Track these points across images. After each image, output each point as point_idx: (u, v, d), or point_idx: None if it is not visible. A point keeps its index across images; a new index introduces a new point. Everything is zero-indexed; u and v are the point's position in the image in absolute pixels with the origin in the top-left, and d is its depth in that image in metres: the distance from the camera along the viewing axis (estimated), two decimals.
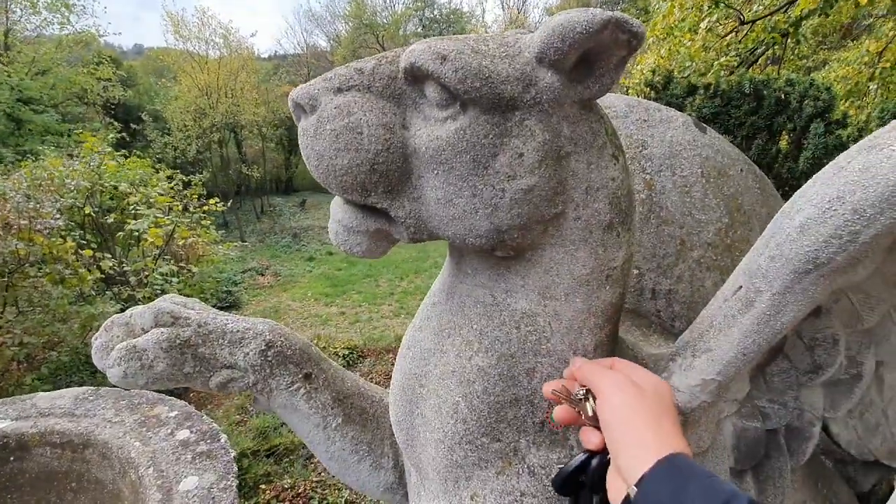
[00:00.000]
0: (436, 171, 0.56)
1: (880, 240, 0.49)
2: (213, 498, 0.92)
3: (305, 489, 5.41)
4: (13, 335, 4.95)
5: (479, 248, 0.60)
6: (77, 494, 1.08)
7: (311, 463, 5.95)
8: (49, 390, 1.22)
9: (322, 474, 5.81)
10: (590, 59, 0.54)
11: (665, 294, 0.97)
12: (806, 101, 2.47)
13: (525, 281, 0.63)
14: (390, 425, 0.97)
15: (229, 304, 10.63)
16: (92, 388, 1.21)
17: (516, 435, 0.66)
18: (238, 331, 0.84)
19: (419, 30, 23.29)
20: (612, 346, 0.71)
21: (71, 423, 1.09)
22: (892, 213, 0.46)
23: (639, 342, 0.85)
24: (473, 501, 0.66)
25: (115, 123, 14.79)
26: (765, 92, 2.50)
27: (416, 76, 0.55)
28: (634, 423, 0.52)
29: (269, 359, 0.84)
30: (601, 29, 0.50)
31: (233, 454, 1.04)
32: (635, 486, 0.47)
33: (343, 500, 5.74)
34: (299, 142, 0.59)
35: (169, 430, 1.08)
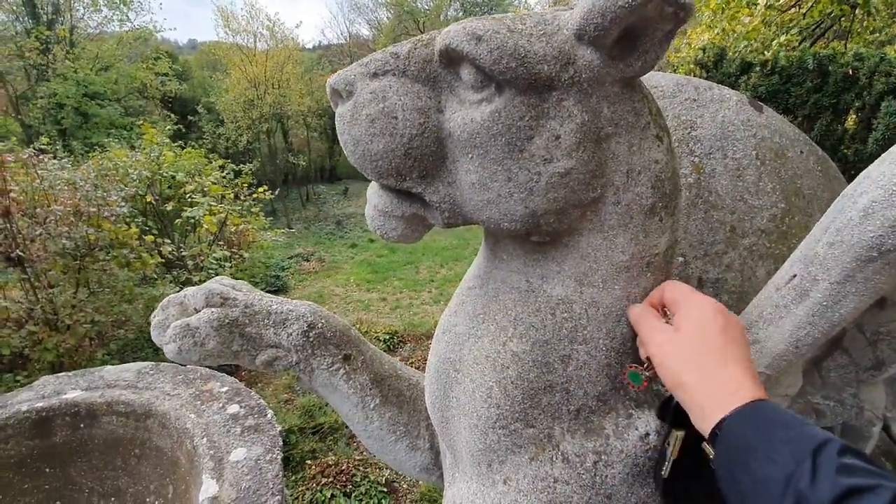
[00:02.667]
0: (470, 155, 0.55)
1: None
2: (261, 469, 0.97)
3: (348, 466, 5.61)
4: (86, 314, 5.37)
5: (514, 232, 0.59)
6: (140, 460, 1.17)
7: (354, 442, 6.16)
8: (116, 365, 1.32)
9: (364, 453, 6.01)
10: (633, 35, 0.52)
11: (712, 283, 0.92)
12: (876, 77, 2.26)
13: (561, 267, 0.62)
14: (426, 408, 0.99)
15: (277, 289, 11.08)
16: (153, 363, 1.31)
17: (550, 422, 0.65)
18: (281, 312, 0.88)
19: (460, 14, 22.99)
20: None
21: (134, 394, 1.18)
22: None
23: None
24: (506, 485, 0.66)
25: (172, 116, 15.61)
26: (830, 68, 2.28)
27: (452, 58, 0.55)
28: (720, 351, 0.50)
29: (311, 339, 0.87)
30: (645, 2, 0.47)
31: (279, 429, 1.09)
32: (722, 419, 0.46)
33: (384, 478, 5.92)
34: (337, 127, 0.60)
35: (220, 405, 1.16)
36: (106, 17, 15.23)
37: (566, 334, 0.63)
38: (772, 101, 2.55)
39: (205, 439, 1.04)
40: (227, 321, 0.83)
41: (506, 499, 0.66)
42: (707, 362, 0.50)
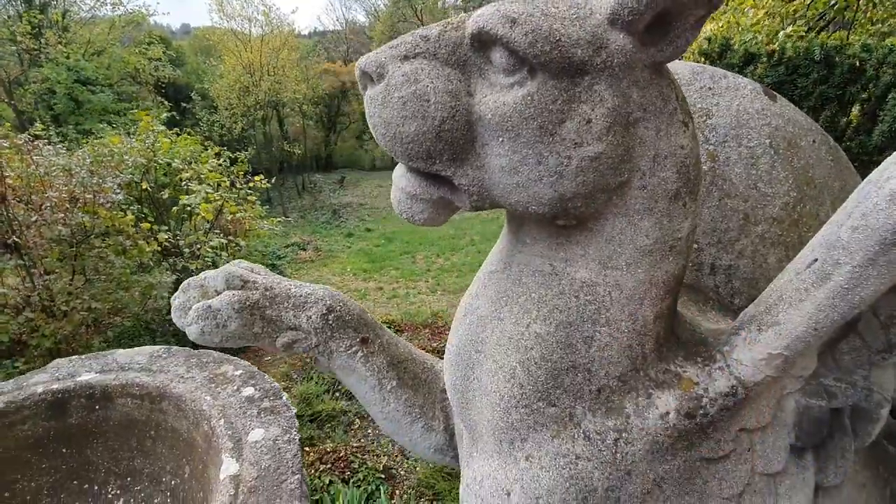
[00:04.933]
0: (501, 139, 0.56)
1: None
2: (280, 449, 0.99)
3: (346, 454, 5.67)
4: (83, 301, 5.35)
5: (541, 216, 0.60)
6: (155, 441, 1.18)
7: (352, 430, 6.20)
8: (127, 349, 1.33)
9: (362, 440, 6.05)
10: (665, 20, 0.53)
11: (725, 269, 0.94)
12: (883, 69, 2.27)
13: (586, 250, 0.63)
14: (441, 390, 1.00)
15: None
16: (165, 347, 1.32)
17: (572, 401, 0.67)
18: (301, 295, 0.89)
19: (458, 2, 22.72)
20: (671, 319, 0.70)
21: (148, 377, 1.19)
22: None
23: (696, 318, 0.84)
24: (528, 462, 0.68)
25: (166, 102, 15.41)
26: (837, 59, 2.29)
27: (484, 41, 0.55)
28: None
29: (330, 322, 0.89)
30: None
31: (294, 411, 1.11)
32: None
33: (381, 465, 5.97)
34: (366, 110, 0.61)
35: (235, 387, 1.17)
36: (99, 0, 14.94)
37: (589, 316, 0.64)
38: (778, 92, 2.56)
39: (222, 420, 1.06)
40: (248, 303, 0.84)
41: (527, 475, 0.68)
42: None
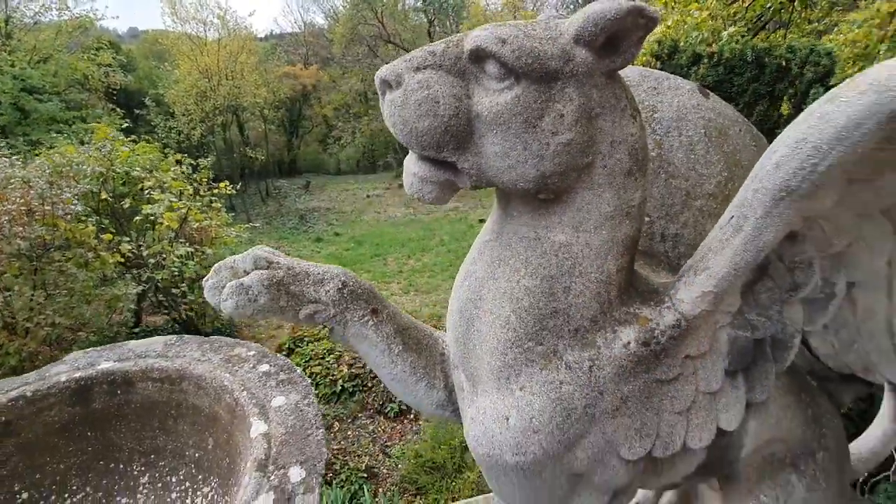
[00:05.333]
0: (495, 131, 0.72)
1: (834, 171, 0.65)
2: (302, 410, 1.11)
3: (329, 456, 5.71)
4: (45, 316, 5.18)
5: (527, 192, 0.77)
6: (177, 420, 1.27)
7: (332, 433, 6.26)
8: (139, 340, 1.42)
9: (342, 443, 6.11)
10: (615, 39, 0.70)
11: (672, 237, 1.13)
12: (807, 67, 2.58)
13: (561, 218, 0.80)
14: (440, 354, 1.16)
15: None
16: (177, 335, 1.40)
17: (556, 339, 0.84)
18: (319, 273, 1.03)
19: (419, 3, 22.90)
20: (630, 273, 0.88)
21: (166, 362, 1.28)
22: (841, 148, 0.63)
23: (650, 276, 1.02)
24: (522, 391, 0.85)
25: (118, 110, 14.84)
26: (766, 59, 2.60)
27: (480, 56, 0.71)
28: None
29: (345, 295, 1.03)
30: (626, 15, 0.65)
31: (308, 381, 1.23)
32: None
33: (364, 465, 6.04)
34: (385, 111, 0.76)
35: (251, 365, 1.27)
36: (44, 5, 14.23)
37: (567, 270, 0.81)
38: (718, 90, 2.84)
39: (244, 392, 1.17)
40: (274, 280, 0.97)
41: (522, 401, 0.84)
42: None
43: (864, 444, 1.56)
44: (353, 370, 7.23)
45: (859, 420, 1.66)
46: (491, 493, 1.24)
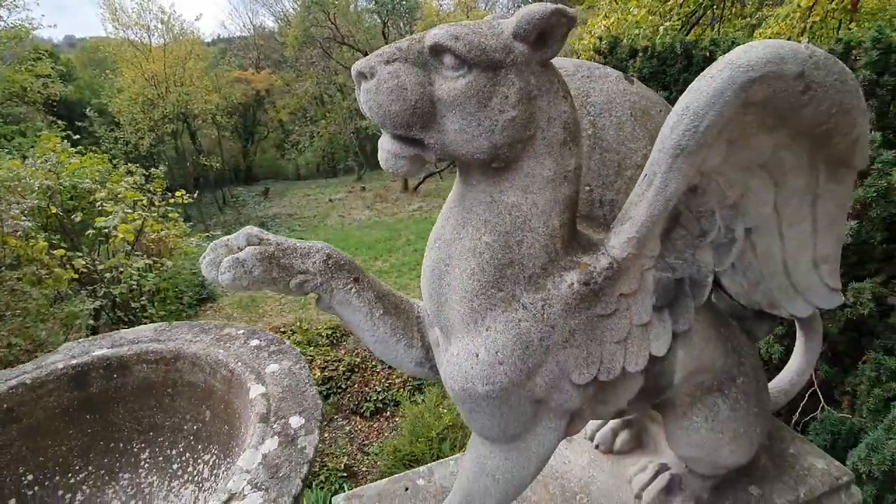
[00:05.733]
0: (454, 111, 0.88)
1: (711, 131, 0.85)
2: (294, 374, 1.23)
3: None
4: (0, 337, 4.98)
5: (482, 161, 0.93)
6: (173, 398, 1.36)
7: None
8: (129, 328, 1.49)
9: (319, 445, 6.11)
10: (544, 35, 0.88)
11: (608, 203, 1.33)
12: None
13: (512, 183, 0.97)
14: (416, 316, 1.31)
15: (204, 297, 10.61)
16: (166, 322, 1.48)
17: (513, 286, 1.01)
18: (305, 247, 1.16)
19: (371, 5, 22.88)
20: (572, 227, 1.06)
21: (160, 345, 1.36)
22: (713, 113, 0.83)
23: (591, 234, 1.21)
24: (488, 331, 1.01)
25: (59, 122, 14.13)
26: (694, 52, 2.90)
27: (438, 50, 0.87)
28: None
29: (330, 265, 1.16)
30: (550, 16, 0.83)
31: (298, 351, 1.35)
32: None
33: (342, 464, 6.09)
34: (361, 98, 0.90)
35: (242, 341, 1.38)
36: None
37: (518, 226, 0.98)
38: (653, 80, 3.13)
39: (239, 363, 1.27)
40: (266, 254, 1.10)
41: (489, 339, 1.01)
42: None
43: (784, 378, 1.82)
44: (325, 373, 7.25)
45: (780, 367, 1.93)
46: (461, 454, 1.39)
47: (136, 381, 1.35)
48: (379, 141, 0.97)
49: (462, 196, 1.04)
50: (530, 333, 1.00)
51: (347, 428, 6.65)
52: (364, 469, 5.97)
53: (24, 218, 5.71)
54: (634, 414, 1.59)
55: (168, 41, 18.37)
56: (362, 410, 6.76)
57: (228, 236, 1.12)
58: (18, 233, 5.61)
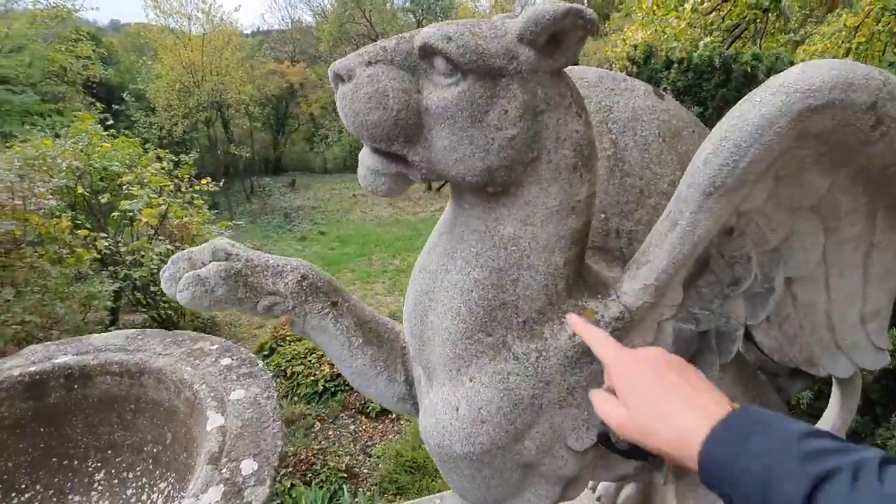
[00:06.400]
0: (443, 125, 0.74)
1: (755, 167, 0.69)
2: (260, 404, 1.12)
3: (307, 456, 5.67)
4: (13, 314, 5.06)
5: (475, 185, 0.79)
6: (136, 414, 1.26)
7: (312, 433, 6.22)
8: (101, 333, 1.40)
9: (322, 443, 6.08)
10: (557, 39, 0.73)
11: (627, 234, 1.17)
12: (772, 75, 2.65)
13: (510, 211, 0.83)
14: (401, 347, 1.17)
15: None
16: (139, 329, 1.39)
17: (504, 331, 0.86)
18: (278, 265, 1.03)
19: (407, 3, 22.90)
20: (579, 265, 0.91)
21: (126, 355, 1.26)
22: (758, 146, 0.66)
23: (604, 271, 1.05)
24: (472, 382, 0.87)
25: (97, 104, 14.52)
26: (733, 66, 2.68)
27: (428, 52, 0.73)
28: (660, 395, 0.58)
29: (304, 287, 1.04)
30: (563, 17, 0.68)
31: (270, 374, 1.23)
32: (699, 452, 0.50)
33: (344, 465, 6.01)
34: (338, 103, 0.77)
35: (213, 359, 1.27)
36: None
37: (515, 262, 0.83)
38: (688, 94, 2.92)
39: (204, 385, 1.16)
40: (232, 272, 0.98)
41: (471, 392, 0.86)
42: (659, 410, 0.56)
43: None
44: (334, 370, 7.20)
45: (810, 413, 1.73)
46: (448, 492, 1.26)
47: (98, 394, 1.26)
48: (360, 153, 0.84)
49: (453, 221, 0.90)
50: (520, 389, 0.85)
51: (352, 427, 6.58)
52: (365, 471, 5.89)
53: (49, 196, 5.81)
54: (643, 480, 1.42)
55: (207, 30, 18.74)
56: (368, 410, 6.68)
57: (192, 248, 1.01)
58: (42, 211, 5.71)
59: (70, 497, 1.18)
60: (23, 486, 1.16)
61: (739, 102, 0.71)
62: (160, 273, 0.99)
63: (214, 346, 1.32)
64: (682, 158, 1.23)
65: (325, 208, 18.10)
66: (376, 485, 5.25)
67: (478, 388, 0.86)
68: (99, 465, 1.24)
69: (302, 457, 5.52)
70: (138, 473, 1.23)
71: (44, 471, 1.22)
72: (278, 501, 4.80)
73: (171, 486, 1.16)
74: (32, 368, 1.23)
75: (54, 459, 1.23)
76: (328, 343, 1.10)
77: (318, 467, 5.36)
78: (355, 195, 19.53)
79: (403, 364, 1.15)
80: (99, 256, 6.39)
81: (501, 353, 0.86)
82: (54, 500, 1.17)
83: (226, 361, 1.26)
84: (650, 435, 0.57)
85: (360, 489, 5.25)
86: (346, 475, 5.56)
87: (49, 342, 1.34)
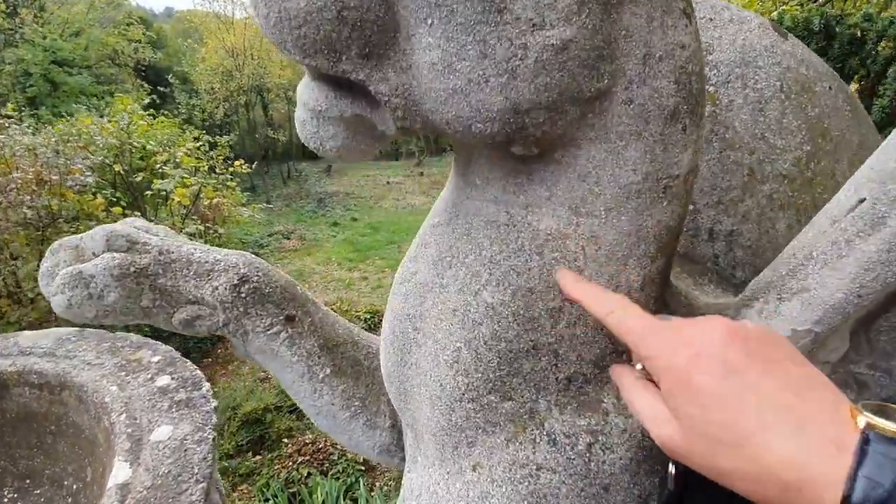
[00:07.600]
0: (430, 20, 0.39)
1: None
2: (186, 450, 0.82)
3: (325, 445, 5.52)
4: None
5: (491, 138, 0.44)
6: (56, 438, 1.01)
7: None
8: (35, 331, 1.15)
9: None
10: None
11: (726, 236, 0.78)
12: (883, 42, 2.13)
13: (552, 191, 0.47)
14: None
15: None
16: (77, 329, 1.13)
17: (534, 393, 0.51)
18: (206, 262, 0.71)
19: None
20: (663, 287, 0.54)
21: (50, 363, 1.01)
22: None
23: (692, 291, 0.68)
24: (476, 473, 0.52)
25: (146, 86, 14.96)
26: (837, 29, 2.16)
27: None
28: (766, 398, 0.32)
29: (243, 295, 0.71)
30: None
31: (214, 404, 0.93)
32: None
33: (361, 457, 5.82)
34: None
35: (149, 376, 0.99)
36: None
37: (557, 281, 0.48)
38: None
39: (123, 415, 0.88)
40: (132, 269, 0.66)
41: (474, 490, 0.52)
42: (739, 431, 0.32)
43: None
44: None
45: None
46: None
47: (15, 408, 1.01)
48: (297, 88, 0.50)
49: (455, 205, 0.55)
50: (558, 496, 0.49)
51: None
52: (383, 465, 5.70)
53: (87, 173, 5.87)
54: None
55: (249, 15, 18.90)
56: None
57: (80, 234, 0.70)
58: (77, 187, 5.76)
59: None
60: None
61: None
62: (40, 267, 0.69)
63: (156, 359, 1.03)
64: (814, 126, 0.82)
65: (358, 194, 18.05)
66: (394, 479, 5.04)
67: (485, 487, 0.51)
68: (15, 495, 1.00)
69: (320, 446, 5.38)
70: None
71: None
72: (294, 490, 4.66)
73: None
74: None
75: None
76: (281, 372, 0.78)
77: (336, 458, 5.20)
78: (389, 182, 19.43)
79: (389, 404, 0.82)
80: None
81: (527, 431, 0.51)
82: None
83: (162, 381, 0.97)
84: (726, 476, 0.33)
85: (377, 483, 5.06)
86: (363, 468, 5.38)
87: None
